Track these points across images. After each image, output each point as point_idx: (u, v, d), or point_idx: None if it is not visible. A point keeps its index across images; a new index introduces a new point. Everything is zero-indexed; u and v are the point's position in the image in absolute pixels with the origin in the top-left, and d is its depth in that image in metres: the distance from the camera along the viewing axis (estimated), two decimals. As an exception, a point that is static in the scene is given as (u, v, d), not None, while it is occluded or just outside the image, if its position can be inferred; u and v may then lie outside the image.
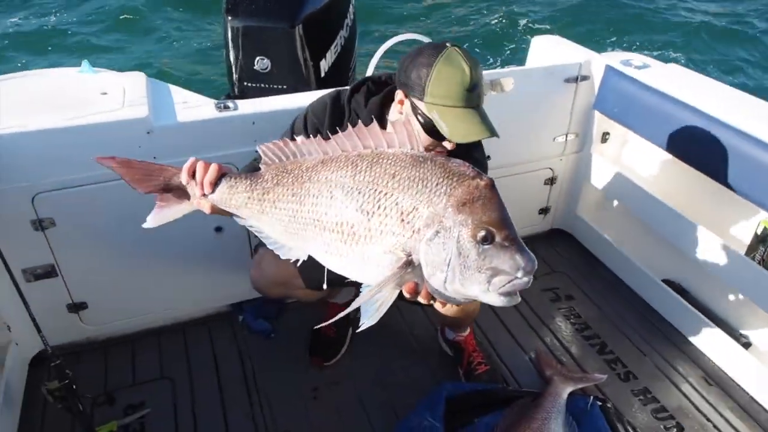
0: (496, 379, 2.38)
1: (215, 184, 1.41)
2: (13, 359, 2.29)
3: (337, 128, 1.29)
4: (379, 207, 1.18)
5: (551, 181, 3.18)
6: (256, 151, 1.42)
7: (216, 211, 1.45)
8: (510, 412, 2.13)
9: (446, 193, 1.14)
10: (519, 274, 1.10)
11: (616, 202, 3.07)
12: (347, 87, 1.96)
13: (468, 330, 2.44)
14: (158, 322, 2.62)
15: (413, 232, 1.15)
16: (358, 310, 1.22)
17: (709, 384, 2.46)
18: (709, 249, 2.49)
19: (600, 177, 3.04)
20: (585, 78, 2.90)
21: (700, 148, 2.43)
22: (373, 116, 1.76)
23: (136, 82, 2.36)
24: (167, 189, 1.46)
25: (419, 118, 1.65)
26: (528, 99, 2.82)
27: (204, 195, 1.42)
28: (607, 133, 3.03)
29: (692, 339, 2.65)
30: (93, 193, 2.17)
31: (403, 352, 2.55)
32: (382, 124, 1.80)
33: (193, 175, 1.42)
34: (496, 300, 1.12)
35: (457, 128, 1.61)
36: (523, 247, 1.12)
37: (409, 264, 1.16)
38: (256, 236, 1.43)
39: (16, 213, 2.12)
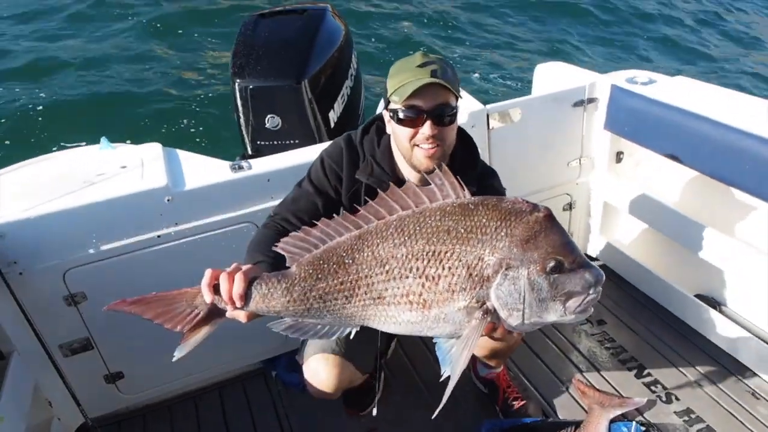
0: (535, 412, 2.34)
1: (246, 296, 1.31)
2: (57, 434, 2.32)
3: (367, 198, 1.25)
4: (443, 268, 1.16)
5: (570, 206, 3.17)
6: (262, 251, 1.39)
7: (252, 317, 1.37)
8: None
9: (507, 235, 1.15)
10: (591, 291, 1.15)
11: (637, 221, 3.04)
12: (356, 129, 1.95)
13: (501, 366, 2.40)
14: (194, 385, 2.64)
15: (483, 281, 1.15)
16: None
17: (757, 398, 2.38)
18: (739, 259, 2.44)
19: (618, 197, 3.02)
20: (592, 100, 2.92)
21: (718, 157, 2.41)
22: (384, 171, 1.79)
23: (152, 152, 2.44)
24: (195, 315, 1.34)
25: (391, 115, 1.68)
26: (538, 127, 2.84)
27: (236, 307, 1.33)
28: (621, 153, 3.02)
29: (733, 353, 2.58)
30: (121, 263, 2.23)
31: (437, 394, 2.50)
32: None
33: (216, 288, 1.32)
34: (572, 319, 1.17)
35: (406, 90, 1.58)
36: (589, 264, 1.16)
37: (487, 312, 1.17)
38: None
39: (48, 291, 2.17)
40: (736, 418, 2.31)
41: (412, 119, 1.62)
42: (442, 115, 1.63)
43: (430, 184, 1.22)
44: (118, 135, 2.71)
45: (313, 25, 3.12)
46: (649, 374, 2.53)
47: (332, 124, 3.08)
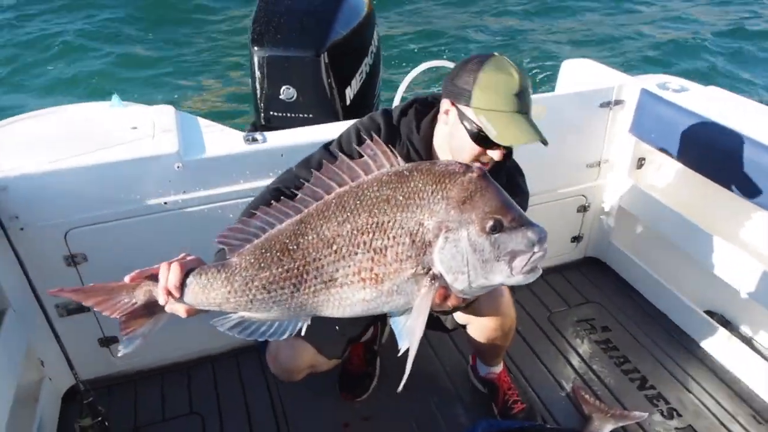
0: (533, 417, 2.30)
1: (182, 286, 1.25)
2: (47, 395, 2.29)
3: (303, 180, 1.24)
4: (388, 239, 1.15)
5: (584, 208, 3.11)
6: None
7: (194, 312, 1.29)
8: (548, 451, 2.06)
9: (443, 197, 1.13)
10: (536, 249, 1.12)
11: (653, 230, 2.98)
12: (392, 108, 1.88)
13: (501, 366, 2.37)
14: (187, 356, 2.61)
15: (426, 246, 1.14)
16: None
17: (759, 423, 2.34)
18: (755, 279, 2.39)
19: (636, 204, 2.96)
20: (619, 102, 2.84)
21: (744, 174, 2.34)
22: (414, 149, 1.76)
23: (165, 115, 2.38)
24: (131, 304, 1.29)
25: (465, 124, 1.60)
26: (560, 125, 2.76)
27: (173, 299, 1.26)
28: (643, 159, 2.95)
29: (740, 375, 2.53)
30: (125, 227, 2.18)
31: (435, 387, 2.49)
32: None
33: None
34: (521, 280, 1.14)
35: (506, 131, 1.54)
36: (530, 222, 1.14)
37: (434, 278, 1.15)
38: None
39: (49, 249, 2.13)
40: (737, 441, 2.28)
41: (489, 145, 1.60)
42: (512, 149, 1.67)
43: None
44: (129, 94, 2.63)
45: (337, -3, 3.04)
46: (652, 387, 2.49)
47: (348, 101, 3.01)
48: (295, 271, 1.19)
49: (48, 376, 2.31)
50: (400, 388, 1.21)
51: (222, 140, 2.31)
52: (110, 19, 8.63)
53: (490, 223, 1.11)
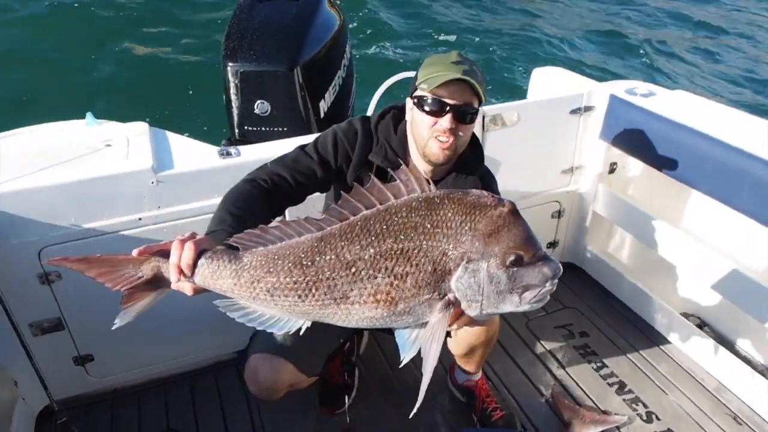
0: (513, 424, 2.30)
1: (194, 265, 1.27)
2: (20, 415, 2.24)
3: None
4: (411, 266, 1.16)
5: (558, 214, 3.14)
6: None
7: (200, 291, 1.31)
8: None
9: (471, 229, 1.16)
10: (547, 284, 1.17)
11: (626, 234, 3.02)
12: (370, 115, 1.96)
13: (480, 374, 2.37)
14: (164, 372, 2.58)
15: (445, 274, 1.17)
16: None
17: (739, 423, 2.36)
18: (728, 279, 2.42)
19: (609, 208, 3.00)
20: (589, 108, 2.88)
21: (713, 175, 2.39)
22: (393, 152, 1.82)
23: (138, 131, 2.38)
24: (138, 280, 1.30)
25: (415, 101, 1.74)
26: (532, 132, 2.80)
27: (184, 277, 1.28)
28: (615, 163, 2.99)
29: (717, 376, 2.56)
30: (100, 244, 2.16)
31: (414, 396, 2.47)
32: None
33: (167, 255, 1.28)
34: (527, 308, 1.20)
35: (437, 80, 1.65)
36: (548, 258, 1.18)
37: (449, 304, 1.18)
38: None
39: (22, 268, 2.10)
40: (716, 441, 2.29)
41: (435, 110, 1.69)
42: (464, 113, 1.71)
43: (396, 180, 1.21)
44: (103, 112, 2.62)
45: (309, 12, 3.06)
46: (630, 391, 2.51)
47: (322, 114, 3.03)
48: (303, 285, 1.20)
49: (22, 396, 2.27)
50: (413, 413, 1.29)
51: (196, 155, 2.31)
52: (79, 35, 8.57)
53: (512, 257, 1.14)
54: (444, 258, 1.16)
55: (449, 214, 1.16)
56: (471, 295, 1.16)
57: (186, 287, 1.30)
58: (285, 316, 1.26)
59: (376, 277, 1.16)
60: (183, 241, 1.27)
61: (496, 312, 1.20)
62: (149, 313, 2.41)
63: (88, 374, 2.43)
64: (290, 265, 1.20)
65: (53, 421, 2.06)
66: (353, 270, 1.17)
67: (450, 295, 1.18)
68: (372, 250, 1.16)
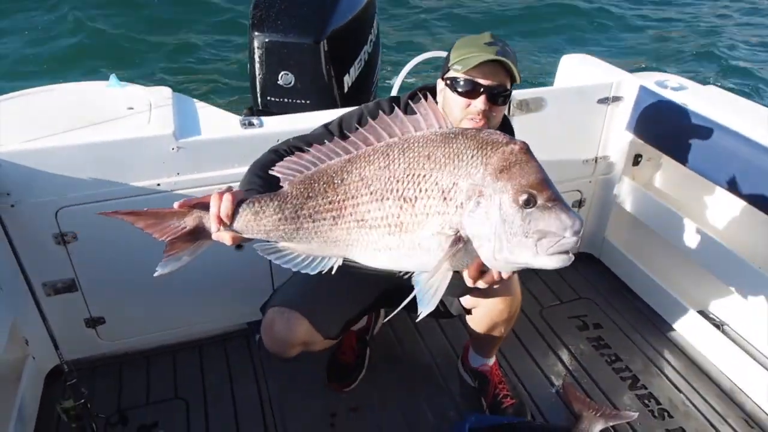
0: (523, 413, 2.28)
1: (234, 215, 1.32)
2: (30, 374, 2.26)
3: (357, 125, 1.29)
4: (420, 191, 1.18)
5: (579, 203, 3.10)
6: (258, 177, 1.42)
7: (238, 240, 1.36)
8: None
9: (482, 163, 1.15)
10: (567, 234, 1.10)
11: (647, 228, 2.97)
12: (400, 96, 1.94)
13: (494, 359, 2.35)
14: (174, 339, 2.58)
15: (457, 207, 1.16)
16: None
17: (751, 427, 2.32)
18: (749, 281, 2.38)
19: (631, 201, 2.95)
20: (617, 98, 2.82)
21: (740, 174, 2.34)
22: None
23: (162, 97, 2.37)
24: (182, 230, 1.36)
25: (447, 83, 1.73)
26: (557, 119, 2.74)
27: (224, 226, 1.33)
28: (640, 156, 2.94)
29: (732, 377, 2.52)
30: (117, 207, 2.12)
31: (424, 379, 2.47)
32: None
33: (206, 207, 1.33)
34: (547, 262, 1.12)
35: (471, 61, 1.65)
36: (567, 206, 1.13)
37: (459, 240, 1.16)
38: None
39: (39, 227, 2.10)
40: (728, 443, 2.27)
41: (469, 91, 1.69)
42: (497, 95, 1.70)
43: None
44: (127, 75, 2.60)
45: (338, -18, 3.01)
46: (643, 387, 2.48)
47: (346, 88, 2.98)
48: (337, 204, 1.25)
49: (32, 355, 2.28)
50: (419, 318, 1.21)
51: (218, 123, 2.29)
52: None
53: (524, 196, 1.10)
54: (454, 188, 1.15)
55: (461, 147, 1.17)
56: (483, 233, 1.13)
57: (225, 237, 1.34)
58: (319, 255, 1.30)
59: (387, 199, 1.19)
60: (221, 194, 1.31)
61: (511, 259, 1.13)
62: (162, 279, 2.43)
63: (99, 337, 2.43)
64: (325, 185, 1.26)
65: (62, 381, 2.05)
66: (371, 189, 1.21)
67: (462, 232, 1.15)
68: (387, 173, 1.20)
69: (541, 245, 1.10)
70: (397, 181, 1.19)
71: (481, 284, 1.30)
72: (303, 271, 1.30)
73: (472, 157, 1.16)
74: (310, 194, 1.27)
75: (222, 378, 2.46)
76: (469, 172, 1.15)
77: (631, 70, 3.02)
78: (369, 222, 1.21)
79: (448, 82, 1.73)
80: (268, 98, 2.87)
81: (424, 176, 1.17)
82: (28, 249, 2.04)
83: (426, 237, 1.18)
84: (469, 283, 1.29)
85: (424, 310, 1.18)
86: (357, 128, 1.26)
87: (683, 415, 2.36)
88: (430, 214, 1.17)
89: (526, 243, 1.11)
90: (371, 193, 1.21)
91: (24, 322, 2.20)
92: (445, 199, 1.16)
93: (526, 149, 1.16)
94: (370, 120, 1.24)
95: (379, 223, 1.21)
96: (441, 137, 1.20)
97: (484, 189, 1.13)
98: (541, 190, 1.11)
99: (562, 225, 1.09)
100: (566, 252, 1.11)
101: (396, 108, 1.25)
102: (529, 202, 1.10)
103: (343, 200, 1.24)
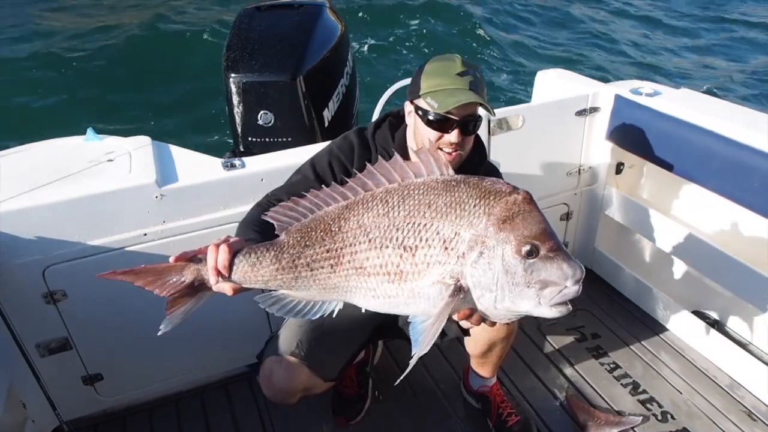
0: (529, 428, 2.27)
1: (231, 266, 1.31)
2: (30, 437, 2.22)
3: (354, 171, 1.27)
4: (420, 240, 1.17)
5: (567, 216, 3.12)
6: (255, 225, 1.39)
7: (239, 290, 1.35)
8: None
9: (485, 213, 1.15)
10: (568, 283, 1.11)
11: (636, 234, 3.00)
12: (366, 125, 1.95)
13: (494, 379, 2.34)
14: (175, 388, 2.55)
15: (458, 257, 1.15)
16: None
17: (753, 420, 2.34)
18: (738, 276, 2.40)
19: (617, 209, 2.98)
20: (595, 109, 2.87)
21: (720, 172, 2.38)
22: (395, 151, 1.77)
23: (141, 145, 2.36)
24: (182, 285, 1.35)
25: (419, 113, 1.69)
26: (538, 135, 2.78)
27: (222, 278, 1.32)
28: (622, 164, 2.97)
29: (731, 374, 2.54)
30: (105, 261, 2.13)
31: (429, 405, 2.45)
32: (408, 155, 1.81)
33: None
34: (548, 312, 1.13)
35: (446, 101, 1.61)
36: (569, 256, 1.13)
37: (460, 290, 1.16)
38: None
39: (26, 288, 2.08)
40: (733, 439, 2.27)
41: (442, 125, 1.67)
42: (469, 123, 1.69)
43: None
44: (104, 127, 2.61)
45: (310, 20, 3.04)
46: (644, 391, 2.48)
47: (326, 123, 3.00)
48: (335, 252, 1.24)
49: (31, 418, 2.24)
50: (397, 382, 1.25)
51: (200, 168, 2.28)
52: (78, 54, 8.57)
53: (527, 247, 1.11)
54: (456, 238, 1.15)
55: (464, 196, 1.17)
56: (485, 283, 1.13)
57: (226, 288, 1.33)
58: (318, 300, 1.29)
59: (387, 247, 1.18)
60: (217, 245, 1.30)
61: (512, 309, 1.14)
62: (157, 327, 2.40)
63: (98, 393, 2.40)
64: (322, 234, 1.25)
65: (63, 443, 2.03)
66: (369, 237, 1.20)
67: (462, 281, 1.15)
68: (387, 220, 1.19)
69: (544, 295, 1.12)
70: (397, 230, 1.18)
71: (466, 324, 1.30)
72: (304, 318, 1.29)
73: (474, 206, 1.15)
74: (308, 243, 1.26)
75: (226, 422, 2.43)
76: (472, 222, 1.14)
77: (606, 81, 3.08)
78: (368, 269, 1.21)
79: (421, 113, 1.69)
80: (249, 139, 2.88)
81: (425, 225, 1.17)
82: (17, 311, 2.02)
83: (426, 286, 1.17)
84: (455, 317, 1.28)
85: (418, 352, 1.18)
86: (355, 173, 1.24)
87: (686, 415, 2.37)
88: (431, 263, 1.16)
89: (528, 293, 1.12)
90: (370, 241, 1.20)
91: (20, 386, 2.17)
92: (446, 248, 1.15)
93: (529, 199, 1.17)
94: (368, 165, 1.23)
95: (378, 270, 1.20)
96: (442, 185, 1.19)
97: (488, 240, 1.13)
98: (543, 241, 1.12)
99: (564, 275, 1.11)
100: (567, 303, 1.13)
101: (396, 154, 1.24)
102: (532, 253, 1.11)
103: (341, 248, 1.23)
